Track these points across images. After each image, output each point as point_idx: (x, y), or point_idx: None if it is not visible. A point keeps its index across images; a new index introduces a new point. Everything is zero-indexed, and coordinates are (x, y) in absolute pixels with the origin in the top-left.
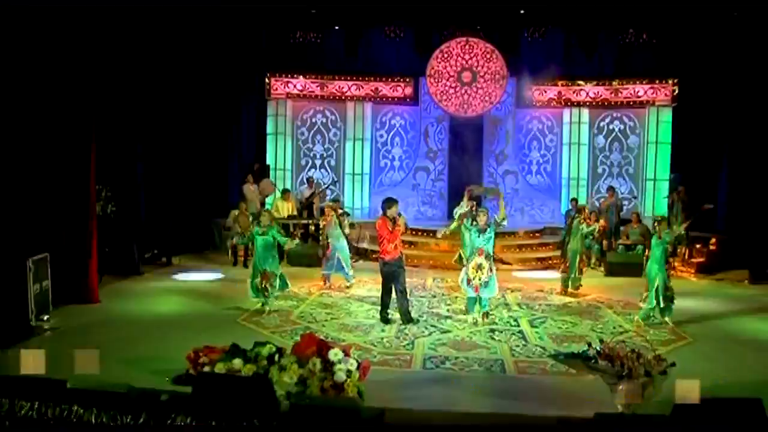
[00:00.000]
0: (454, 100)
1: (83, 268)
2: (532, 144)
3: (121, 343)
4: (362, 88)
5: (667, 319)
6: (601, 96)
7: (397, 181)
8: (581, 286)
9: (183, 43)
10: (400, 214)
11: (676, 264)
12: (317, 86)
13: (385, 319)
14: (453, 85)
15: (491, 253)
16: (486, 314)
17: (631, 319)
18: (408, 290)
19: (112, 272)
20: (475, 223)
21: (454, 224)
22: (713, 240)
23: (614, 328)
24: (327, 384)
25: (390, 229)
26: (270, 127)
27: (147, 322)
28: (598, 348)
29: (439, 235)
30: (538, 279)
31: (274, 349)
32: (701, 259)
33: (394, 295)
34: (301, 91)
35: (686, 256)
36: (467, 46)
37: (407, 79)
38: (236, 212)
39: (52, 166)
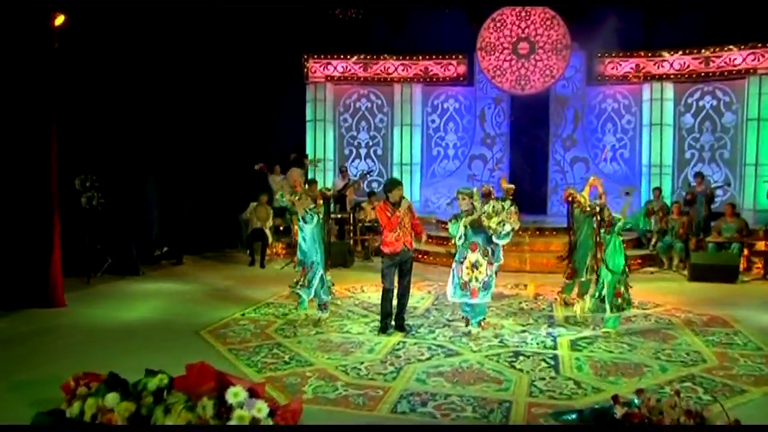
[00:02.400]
0: (510, 76)
1: (43, 268)
2: (605, 126)
3: (41, 357)
4: (410, 68)
5: (608, 329)
6: (688, 67)
7: (450, 171)
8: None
9: (211, 21)
10: (403, 198)
11: None
12: (360, 67)
13: (384, 328)
14: (508, 58)
15: (488, 248)
16: (480, 324)
17: (715, 341)
18: (433, 297)
19: (109, 272)
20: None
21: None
22: None
23: (687, 354)
24: None
25: (388, 215)
26: (309, 114)
27: (99, 332)
28: (635, 402)
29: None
30: None
31: (166, 381)
32: None
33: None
34: (343, 73)
35: None
36: (523, 13)
37: (460, 57)
38: (255, 204)
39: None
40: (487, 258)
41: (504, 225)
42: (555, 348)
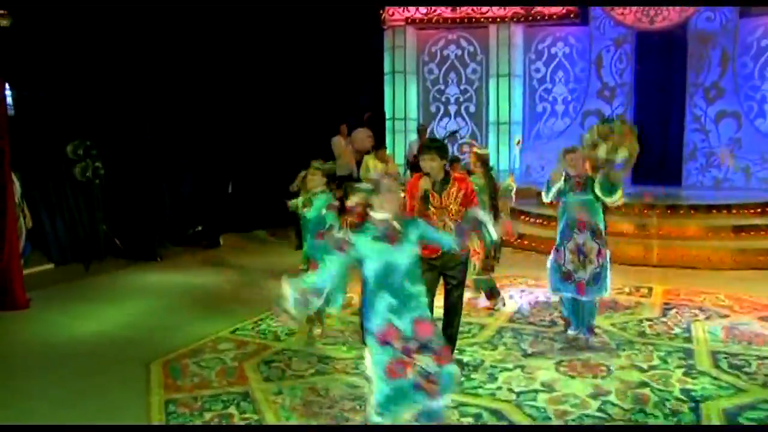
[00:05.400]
0: (634, 6)
1: None
2: (765, 71)
3: None
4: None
5: None
6: None
7: (559, 131)
8: None
9: None
10: (454, 177)
11: None
12: (447, 7)
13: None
14: None
15: (600, 226)
16: (592, 329)
17: None
18: (515, 306)
19: (122, 255)
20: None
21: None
22: None
23: None
24: None
25: (419, 194)
26: (387, 65)
27: (28, 352)
28: None
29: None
30: None
31: None
32: None
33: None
34: (426, 14)
35: None
36: None
37: None
38: (304, 172)
39: None
40: (598, 242)
41: (617, 151)
42: (697, 421)
